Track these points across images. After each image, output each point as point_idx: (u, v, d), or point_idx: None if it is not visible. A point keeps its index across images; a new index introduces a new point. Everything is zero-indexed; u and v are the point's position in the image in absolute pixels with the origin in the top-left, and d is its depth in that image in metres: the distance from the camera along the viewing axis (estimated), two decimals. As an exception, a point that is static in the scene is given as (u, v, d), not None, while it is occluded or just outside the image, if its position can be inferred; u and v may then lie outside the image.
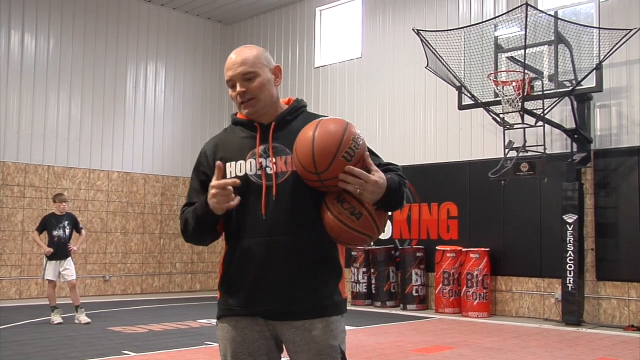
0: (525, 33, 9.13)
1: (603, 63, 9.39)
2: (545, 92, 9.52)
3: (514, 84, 9.53)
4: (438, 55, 10.19)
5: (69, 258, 9.42)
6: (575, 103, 9.96)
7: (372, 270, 12.06)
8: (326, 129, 2.27)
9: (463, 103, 10.62)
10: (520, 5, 9.24)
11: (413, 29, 10.49)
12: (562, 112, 10.38)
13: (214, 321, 9.67)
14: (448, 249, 11.21)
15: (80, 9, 13.87)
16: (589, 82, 9.47)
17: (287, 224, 2.34)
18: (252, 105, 2.43)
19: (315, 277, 2.36)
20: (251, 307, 2.37)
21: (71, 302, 9.41)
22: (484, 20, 10.64)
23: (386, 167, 2.43)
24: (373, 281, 12.04)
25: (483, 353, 7.32)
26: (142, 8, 14.89)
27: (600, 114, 10.31)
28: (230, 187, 2.29)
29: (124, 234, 14.17)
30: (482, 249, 10.86)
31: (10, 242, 12.59)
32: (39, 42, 13.29)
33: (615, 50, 9.17)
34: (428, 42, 10.22)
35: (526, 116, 9.50)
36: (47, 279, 9.38)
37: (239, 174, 2.41)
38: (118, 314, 10.53)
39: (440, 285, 11.18)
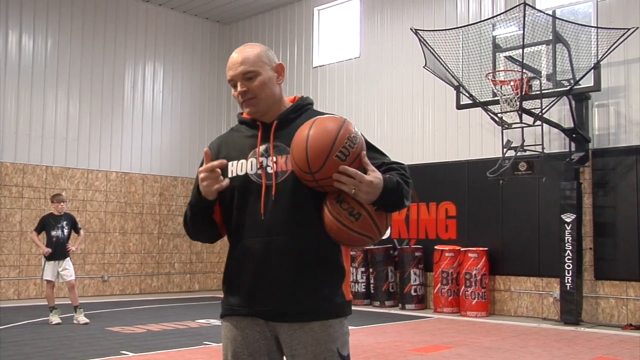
0: (523, 32, 9.14)
1: (601, 62, 9.40)
2: (544, 91, 9.53)
3: (512, 83, 9.54)
4: (436, 55, 10.20)
5: (68, 258, 9.42)
6: (573, 102, 9.97)
7: (370, 269, 12.06)
8: (321, 128, 2.24)
9: (461, 102, 10.63)
10: (518, 5, 9.25)
11: (411, 29, 10.50)
12: (560, 112, 10.39)
13: (212, 321, 9.70)
14: (446, 248, 11.22)
15: (79, 8, 13.86)
16: (587, 82, 9.48)
17: (286, 224, 2.32)
18: (253, 105, 2.42)
19: (314, 277, 2.33)
20: (251, 307, 2.36)
21: (70, 302, 9.40)
22: (482, 19, 10.65)
23: (389, 167, 2.37)
24: (372, 281, 12.04)
25: (481, 352, 7.32)
26: (140, 8, 14.89)
27: (598, 113, 10.32)
28: (218, 170, 2.32)
29: (123, 234, 14.16)
30: (481, 249, 10.87)
31: (8, 242, 12.58)
32: (37, 42, 13.28)
33: (613, 50, 9.18)
34: (426, 42, 10.23)
35: (524, 116, 9.51)
36: (46, 280, 9.37)
37: (239, 173, 2.41)
38: (117, 314, 10.52)
39: (439, 284, 11.19)
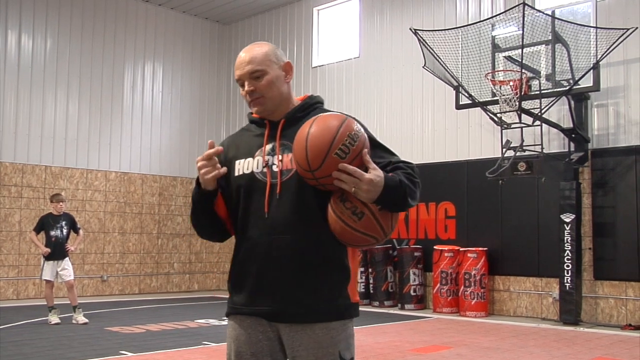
0: (523, 32, 9.14)
1: (600, 62, 9.40)
2: (543, 91, 9.54)
3: (511, 83, 9.54)
4: (435, 55, 10.20)
5: (67, 258, 9.41)
6: (572, 102, 9.97)
7: (370, 269, 12.06)
8: (321, 125, 2.22)
9: (460, 103, 10.63)
10: (518, 5, 9.24)
11: (410, 29, 10.50)
12: (560, 112, 10.39)
13: (211, 321, 9.71)
14: (446, 248, 11.22)
15: (78, 8, 13.86)
16: (587, 82, 9.48)
17: (289, 223, 2.31)
18: (260, 104, 2.41)
19: (316, 277, 2.30)
20: (253, 306, 2.35)
21: (69, 302, 9.40)
22: (482, 19, 10.65)
23: (396, 166, 2.33)
24: (371, 281, 12.04)
25: (481, 353, 7.32)
26: (140, 8, 14.88)
27: (597, 113, 10.32)
28: (215, 158, 2.33)
29: (122, 234, 14.16)
30: (480, 249, 10.87)
31: (7, 242, 12.58)
32: (36, 42, 13.27)
33: (612, 50, 9.19)
34: (425, 42, 10.23)
35: (523, 116, 9.50)
36: (45, 280, 9.37)
37: (246, 171, 2.41)
38: (116, 314, 10.52)
39: (438, 284, 11.18)
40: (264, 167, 2.38)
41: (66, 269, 9.33)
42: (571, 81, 9.52)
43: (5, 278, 12.49)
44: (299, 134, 2.25)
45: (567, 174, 10.06)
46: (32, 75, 13.16)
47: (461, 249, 11.09)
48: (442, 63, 10.22)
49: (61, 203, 9.56)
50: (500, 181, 9.96)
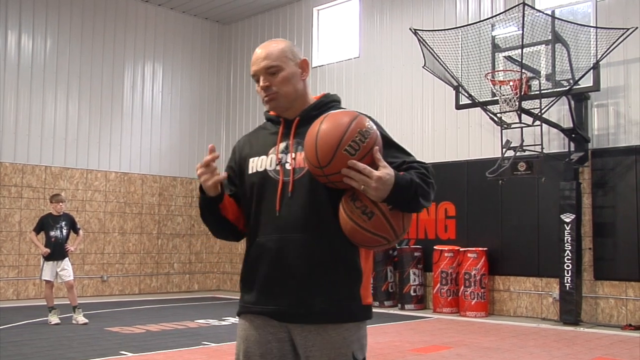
0: (523, 32, 9.14)
1: (600, 62, 9.40)
2: (543, 91, 9.53)
3: (511, 83, 9.54)
4: (435, 55, 10.20)
5: (67, 258, 9.40)
6: (572, 102, 9.96)
7: (370, 270, 12.03)
8: (332, 122, 2.19)
9: (460, 103, 10.63)
10: (518, 5, 9.24)
11: (410, 29, 10.50)
12: (560, 112, 10.38)
13: (211, 321, 9.71)
14: (446, 248, 11.21)
15: (78, 8, 13.85)
16: (587, 82, 9.48)
17: (301, 221, 2.29)
18: (274, 100, 2.39)
19: (327, 278, 2.27)
20: (263, 305, 2.33)
21: (69, 302, 9.39)
22: (481, 19, 10.65)
23: (409, 165, 2.29)
24: (371, 281, 12.01)
25: (481, 353, 7.32)
26: (140, 8, 14.88)
27: (597, 113, 10.31)
28: (213, 164, 2.33)
29: (122, 235, 14.16)
30: (480, 249, 10.87)
31: (7, 242, 12.57)
32: (36, 42, 13.27)
33: (612, 50, 9.18)
34: (425, 42, 10.22)
35: (523, 116, 9.50)
36: (45, 280, 9.36)
37: (259, 169, 2.40)
38: (116, 315, 10.52)
39: (438, 285, 11.18)
40: (277, 165, 2.37)
41: (66, 269, 9.33)
42: (571, 81, 9.52)
43: (5, 278, 12.49)
44: (310, 131, 2.23)
45: (567, 174, 10.06)
46: (32, 75, 13.16)
47: (461, 249, 11.09)
48: (442, 63, 10.21)
49: (61, 203, 9.56)
50: (500, 181, 9.95)
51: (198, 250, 15.47)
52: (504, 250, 11.01)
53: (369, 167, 2.13)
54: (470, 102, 10.33)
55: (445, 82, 10.58)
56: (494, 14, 10.89)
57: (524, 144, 9.58)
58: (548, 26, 9.62)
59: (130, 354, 6.95)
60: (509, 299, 10.95)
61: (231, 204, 2.46)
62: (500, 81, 9.79)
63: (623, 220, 9.88)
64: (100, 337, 8.09)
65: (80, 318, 9.22)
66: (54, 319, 9.17)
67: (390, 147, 2.33)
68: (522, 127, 9.49)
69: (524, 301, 10.78)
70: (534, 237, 10.69)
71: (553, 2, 10.74)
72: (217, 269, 15.81)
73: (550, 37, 9.68)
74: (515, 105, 9.39)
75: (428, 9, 12.47)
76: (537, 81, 9.66)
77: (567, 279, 9.74)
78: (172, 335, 8.35)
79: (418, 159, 2.35)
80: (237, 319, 2.47)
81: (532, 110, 9.56)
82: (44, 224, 9.48)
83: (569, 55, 9.67)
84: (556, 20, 9.61)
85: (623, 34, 9.03)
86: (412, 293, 11.53)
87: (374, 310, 2.45)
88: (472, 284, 10.73)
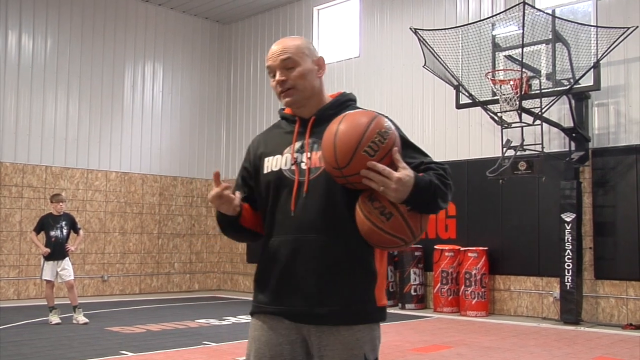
0: (523, 32, 9.12)
1: (601, 61, 9.39)
2: (543, 90, 9.53)
3: (511, 82, 9.53)
4: (436, 55, 10.19)
5: (67, 258, 9.40)
6: (573, 102, 9.96)
7: (370, 269, 12.03)
8: (350, 122, 2.17)
9: (461, 102, 10.62)
10: (518, 4, 9.23)
11: (410, 28, 10.49)
12: (560, 111, 10.38)
13: (212, 321, 9.71)
14: (446, 248, 11.21)
15: (78, 8, 13.85)
16: (587, 81, 9.47)
17: (316, 222, 2.26)
18: (290, 95, 2.37)
19: (342, 280, 2.25)
20: (277, 305, 2.31)
21: (69, 302, 9.39)
22: (482, 19, 10.64)
23: (427, 166, 2.27)
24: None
25: (481, 352, 7.31)
26: (140, 8, 14.88)
27: (598, 112, 10.31)
28: (226, 192, 2.28)
29: (122, 234, 14.16)
30: (481, 248, 10.86)
31: (8, 242, 12.58)
32: (37, 41, 13.27)
33: (613, 49, 9.17)
34: (425, 41, 10.22)
35: (524, 115, 9.49)
36: (45, 280, 9.37)
37: (274, 168, 2.38)
38: (116, 314, 10.51)
39: (439, 284, 11.18)
40: (292, 164, 2.34)
41: (66, 269, 9.33)
42: (571, 80, 9.51)
43: (6, 278, 12.49)
44: (327, 131, 2.21)
45: (567, 173, 10.05)
46: (33, 75, 13.16)
47: (462, 249, 11.08)
48: (442, 62, 10.20)
49: (61, 203, 9.56)
50: (500, 180, 9.94)
51: (198, 250, 15.47)
52: (504, 250, 11.01)
53: (388, 168, 2.11)
54: (470, 101, 10.32)
55: (446, 82, 10.58)
56: (494, 13, 10.88)
57: (525, 143, 9.57)
58: (548, 25, 9.61)
59: (130, 354, 6.95)
60: (509, 298, 10.94)
61: (248, 212, 2.44)
62: (500, 80, 9.78)
63: (624, 219, 9.88)
64: (100, 337, 8.09)
65: (81, 318, 9.22)
66: (54, 318, 9.17)
67: (408, 148, 2.31)
68: (522, 127, 9.49)
69: (525, 301, 10.77)
70: (534, 236, 10.68)
71: (553, 1, 10.73)
72: (217, 269, 15.80)
73: (550, 37, 9.67)
74: (516, 104, 9.38)
75: (428, 8, 12.47)
76: (538, 80, 9.65)
77: (568, 278, 9.74)
78: (172, 335, 8.35)
79: (435, 160, 2.34)
80: (250, 319, 2.46)
81: (533, 110, 9.55)
82: (44, 224, 9.48)
83: (569, 54, 9.66)
84: (556, 19, 9.60)
85: (623, 33, 9.01)
86: (412, 292, 11.52)
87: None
88: (473, 283, 10.72)
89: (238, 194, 2.34)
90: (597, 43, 9.26)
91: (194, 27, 15.86)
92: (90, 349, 7.21)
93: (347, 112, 2.27)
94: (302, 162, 2.33)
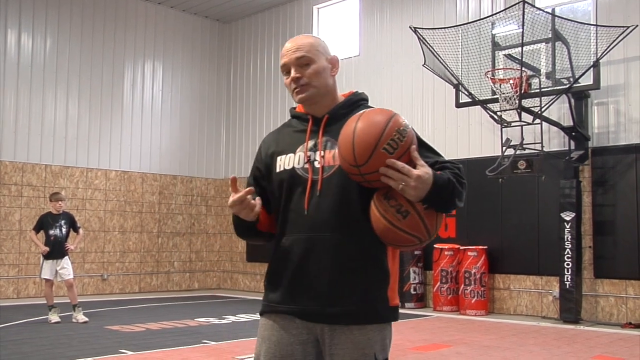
0: (523, 31, 9.12)
1: (601, 60, 9.39)
2: (543, 89, 9.53)
3: (511, 81, 9.53)
4: (435, 53, 10.19)
5: (66, 257, 9.40)
6: (572, 101, 9.95)
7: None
8: (369, 120, 2.16)
9: (460, 101, 10.62)
10: (518, 3, 9.22)
11: (410, 27, 10.49)
12: (560, 110, 10.38)
13: (211, 320, 9.71)
14: (446, 247, 11.20)
15: (78, 7, 13.85)
16: (587, 80, 9.47)
17: (330, 220, 2.25)
18: (305, 91, 2.35)
19: (356, 279, 2.25)
20: (289, 304, 2.30)
21: (69, 301, 9.39)
22: (482, 17, 10.64)
23: (442, 165, 2.26)
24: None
25: (481, 351, 7.31)
26: (140, 6, 14.87)
27: (598, 111, 10.30)
28: (248, 198, 2.26)
29: (122, 233, 14.16)
30: (480, 247, 10.86)
31: (7, 241, 12.58)
32: (36, 40, 13.26)
33: (612, 48, 9.17)
34: (425, 40, 10.21)
35: (524, 114, 9.49)
36: (44, 278, 9.36)
37: (287, 167, 2.37)
38: (116, 313, 10.52)
39: (438, 283, 11.18)
40: (305, 163, 2.33)
41: (65, 267, 9.33)
42: (571, 79, 9.51)
43: (5, 277, 12.49)
44: (345, 128, 2.20)
45: (567, 172, 10.05)
46: (32, 74, 13.15)
47: (461, 248, 11.08)
48: (442, 61, 10.20)
49: (60, 202, 9.55)
50: (500, 179, 9.95)
51: (198, 249, 15.47)
52: (504, 249, 11.01)
53: (407, 166, 2.11)
54: (470, 100, 10.32)
55: (446, 81, 10.57)
56: (494, 12, 10.87)
57: (524, 142, 9.57)
58: (548, 24, 9.61)
59: (130, 353, 6.95)
60: (509, 297, 10.94)
61: (263, 215, 2.43)
62: (500, 79, 9.78)
63: (623, 218, 9.88)
64: (100, 336, 8.09)
65: (80, 316, 9.23)
66: (54, 317, 9.17)
67: (422, 147, 2.30)
68: (522, 126, 9.49)
69: (524, 299, 10.77)
70: (534, 235, 10.68)
71: (553, 0, 10.73)
72: (217, 268, 15.81)
73: (550, 35, 9.67)
74: (516, 103, 9.38)
75: (428, 7, 12.46)
76: (537, 79, 9.65)
77: (567, 277, 9.74)
78: (172, 334, 8.35)
79: (448, 159, 2.34)
80: (260, 318, 2.44)
81: (532, 109, 9.55)
82: (44, 223, 9.47)
83: (569, 53, 9.66)
84: (556, 18, 9.60)
85: (623, 32, 9.01)
86: (412, 291, 11.52)
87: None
88: (472, 282, 10.72)
89: (259, 200, 2.31)
90: (596, 42, 9.26)
91: (194, 26, 15.85)
92: (90, 348, 7.21)
93: (364, 110, 2.26)
94: (315, 160, 2.32)
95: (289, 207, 2.34)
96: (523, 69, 9.39)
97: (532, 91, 9.57)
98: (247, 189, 2.29)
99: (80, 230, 9.79)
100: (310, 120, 2.40)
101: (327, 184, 2.28)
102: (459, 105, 10.71)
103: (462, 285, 10.85)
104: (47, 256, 9.30)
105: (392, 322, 2.36)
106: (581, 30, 9.47)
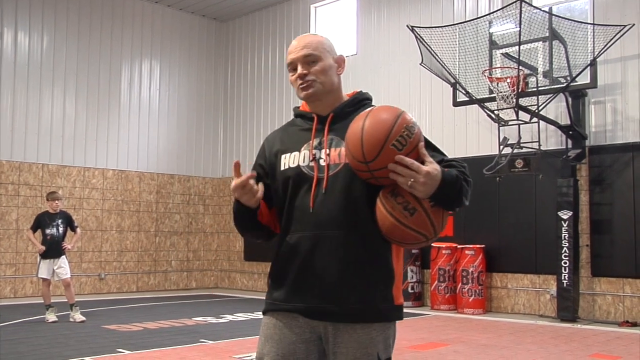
0: (520, 29, 9.13)
1: (598, 59, 9.40)
2: (540, 88, 9.53)
3: (508, 80, 9.53)
4: (433, 52, 10.19)
5: (63, 256, 9.38)
6: (570, 99, 9.96)
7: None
8: (377, 117, 2.17)
9: (458, 100, 10.62)
10: (515, 2, 9.22)
11: (408, 26, 10.49)
12: (557, 109, 10.38)
13: (209, 319, 9.70)
14: (443, 245, 11.21)
15: (74, 5, 13.82)
16: (584, 79, 9.48)
17: (335, 219, 2.25)
18: (311, 87, 2.36)
19: (361, 277, 2.24)
20: (293, 302, 2.29)
21: (66, 300, 9.38)
22: (479, 16, 10.64)
23: (448, 163, 2.27)
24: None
25: (478, 350, 7.32)
26: (137, 5, 14.85)
27: (595, 110, 10.31)
28: (251, 182, 2.27)
29: (120, 232, 14.14)
30: (478, 246, 10.87)
31: (4, 240, 12.56)
32: (33, 39, 13.24)
33: (609, 47, 9.18)
34: (422, 39, 10.22)
35: (521, 113, 9.50)
36: (41, 277, 9.35)
37: (292, 165, 2.36)
38: (113, 312, 10.51)
39: (436, 282, 11.19)
40: (310, 160, 2.33)
41: (62, 267, 9.31)
42: (568, 78, 9.52)
43: (2, 276, 12.47)
44: (353, 125, 2.20)
45: (564, 171, 10.06)
46: (29, 72, 13.13)
47: (459, 246, 11.09)
48: (439, 60, 10.20)
49: (57, 201, 9.53)
50: (497, 178, 9.95)
51: (196, 248, 15.46)
52: (501, 247, 11.01)
53: (417, 162, 2.11)
54: (467, 99, 10.32)
55: (443, 79, 10.57)
56: (491, 11, 10.87)
57: (522, 141, 9.57)
58: (545, 23, 9.62)
59: (127, 352, 6.94)
60: (506, 296, 10.95)
61: (264, 208, 2.42)
62: (497, 78, 9.78)
63: (620, 217, 9.89)
64: (97, 335, 8.08)
65: (78, 316, 9.22)
66: (51, 316, 9.16)
67: (427, 146, 2.29)
68: (519, 124, 9.50)
69: (522, 298, 10.78)
70: (531, 234, 10.69)
71: (550, -1, 10.74)
72: (215, 267, 15.80)
73: (547, 34, 9.68)
74: (513, 102, 9.38)
75: (425, 5, 12.46)
76: (535, 78, 9.65)
77: (565, 275, 9.75)
78: (169, 333, 8.34)
79: (451, 157, 2.34)
80: (262, 317, 2.43)
81: (530, 107, 9.55)
82: (40, 222, 9.46)
83: (566, 52, 9.66)
84: (553, 17, 9.61)
85: (620, 30, 9.02)
86: (409, 290, 11.53)
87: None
88: (470, 281, 10.73)
89: (261, 185, 2.32)
90: (593, 41, 9.27)
91: (191, 25, 15.83)
92: (87, 347, 7.20)
93: (372, 107, 2.27)
94: (320, 158, 2.32)
95: (294, 205, 2.34)
96: (520, 67, 9.39)
97: (530, 90, 9.57)
98: (250, 173, 2.29)
99: (78, 230, 9.78)
100: (315, 118, 2.40)
101: (333, 182, 2.28)
102: (456, 104, 10.71)
103: (460, 284, 10.86)
104: (44, 255, 9.29)
105: (397, 322, 2.36)
106: (578, 29, 9.48)
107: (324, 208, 2.27)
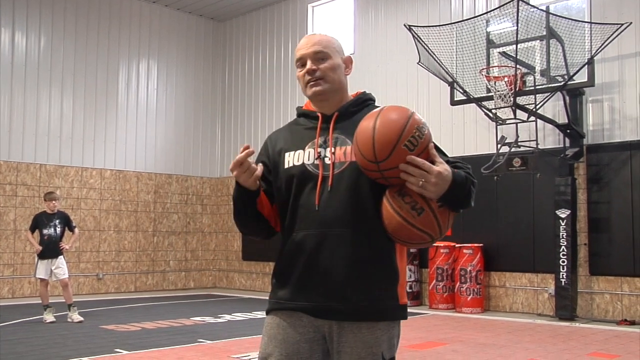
0: (517, 28, 9.12)
1: (595, 58, 9.40)
2: (538, 87, 9.53)
3: (506, 79, 9.53)
4: (430, 51, 10.19)
5: (61, 257, 9.37)
6: (567, 98, 9.97)
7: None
8: (388, 117, 2.17)
9: (455, 99, 10.62)
10: (512, 0, 9.22)
11: (405, 25, 10.48)
12: (555, 107, 10.39)
13: (207, 319, 9.70)
14: (441, 244, 11.20)
15: (72, 5, 13.80)
16: (581, 77, 9.48)
17: (340, 217, 2.25)
18: (319, 84, 2.37)
19: (366, 276, 2.24)
20: (297, 301, 2.28)
21: (64, 300, 9.37)
22: (476, 15, 10.63)
23: (454, 165, 2.28)
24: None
25: (476, 349, 7.32)
26: (134, 5, 14.83)
27: (592, 109, 10.32)
28: (247, 160, 2.26)
29: (117, 232, 14.13)
30: (476, 245, 10.87)
31: (2, 241, 12.54)
32: (30, 39, 13.22)
33: (607, 45, 9.18)
34: (420, 38, 10.21)
35: (518, 111, 9.50)
36: (39, 278, 9.35)
37: (296, 163, 2.36)
38: (111, 312, 10.50)
39: (434, 281, 11.19)
40: (315, 159, 2.33)
41: (60, 267, 9.31)
42: (566, 77, 9.52)
43: (0, 277, 12.46)
44: (363, 125, 2.20)
45: (562, 169, 10.07)
46: (26, 72, 13.11)
47: (457, 245, 11.08)
48: (436, 59, 10.20)
49: (54, 201, 9.52)
50: (495, 177, 9.95)
51: (194, 248, 15.45)
52: (499, 246, 11.02)
53: (428, 162, 2.12)
54: (465, 98, 10.32)
55: (440, 78, 10.57)
56: (488, 10, 10.88)
57: (519, 139, 9.57)
58: (542, 22, 9.61)
59: (125, 352, 6.94)
60: (504, 294, 10.96)
61: (265, 200, 2.41)
62: (495, 77, 9.79)
63: (618, 215, 9.90)
64: (95, 335, 8.07)
65: (76, 316, 9.21)
66: (49, 317, 9.15)
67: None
68: (517, 123, 9.49)
69: (520, 297, 10.78)
70: (529, 233, 10.69)
71: (548, -2, 10.74)
72: (213, 267, 15.79)
73: (544, 33, 9.67)
74: (510, 101, 9.38)
75: (422, 5, 12.46)
76: (532, 77, 9.65)
77: (563, 274, 9.75)
78: (167, 333, 8.34)
79: (455, 159, 2.36)
80: (266, 316, 2.42)
81: (527, 106, 9.55)
82: (38, 222, 9.45)
83: (563, 50, 9.66)
84: (551, 15, 9.60)
85: (617, 29, 9.02)
86: (407, 289, 11.53)
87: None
88: (468, 280, 10.73)
89: (260, 166, 2.32)
90: (591, 39, 9.27)
91: (189, 25, 15.82)
92: (85, 347, 7.20)
93: (382, 107, 2.26)
94: (325, 156, 2.32)
95: (298, 203, 2.33)
96: (518, 66, 9.39)
97: (527, 89, 9.57)
98: (248, 150, 2.26)
99: (76, 230, 9.77)
100: (320, 117, 2.41)
101: (338, 180, 2.28)
102: (453, 103, 10.71)
103: (458, 283, 10.86)
104: (42, 256, 9.28)
105: (401, 321, 2.36)
106: (575, 28, 9.48)
107: (330, 206, 2.27)
